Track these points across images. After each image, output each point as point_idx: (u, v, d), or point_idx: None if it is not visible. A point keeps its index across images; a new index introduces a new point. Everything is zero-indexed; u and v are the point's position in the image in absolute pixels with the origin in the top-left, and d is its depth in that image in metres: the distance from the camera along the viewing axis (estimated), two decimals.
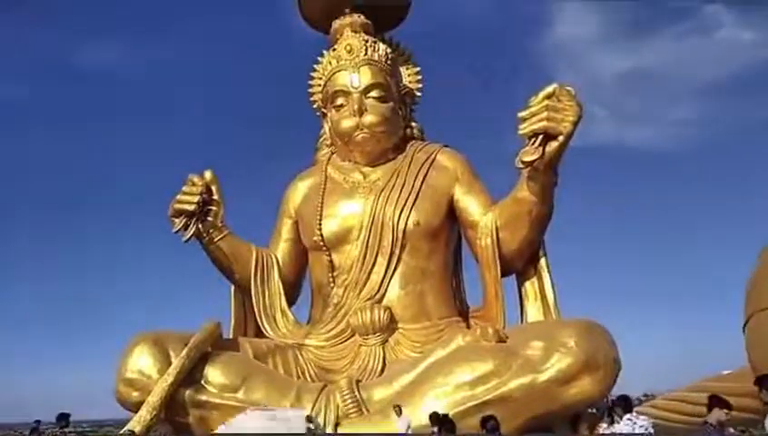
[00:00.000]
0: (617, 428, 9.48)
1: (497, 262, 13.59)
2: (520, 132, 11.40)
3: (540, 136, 11.26)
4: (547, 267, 13.87)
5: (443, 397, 11.36)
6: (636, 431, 9.18)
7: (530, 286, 14.02)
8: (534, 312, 13.75)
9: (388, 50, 16.22)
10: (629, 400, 9.90)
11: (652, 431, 9.31)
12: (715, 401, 8.36)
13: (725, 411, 8.16)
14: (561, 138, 11.28)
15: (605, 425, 10.29)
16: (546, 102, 11.23)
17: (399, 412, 11.46)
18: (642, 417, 9.63)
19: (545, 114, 11.16)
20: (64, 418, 12.73)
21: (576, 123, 11.27)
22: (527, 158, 11.38)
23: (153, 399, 11.44)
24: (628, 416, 9.47)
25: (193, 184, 13.98)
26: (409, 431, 11.26)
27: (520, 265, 14.10)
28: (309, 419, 11.37)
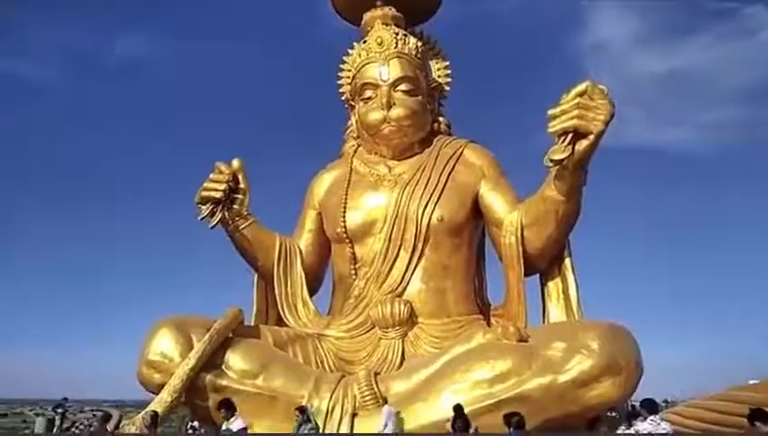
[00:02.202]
0: (641, 427, 9.36)
1: (521, 260, 13.45)
2: (550, 129, 11.24)
3: (570, 135, 11.10)
4: (572, 268, 13.66)
5: (460, 393, 11.27)
6: (658, 432, 9.08)
7: (554, 286, 13.85)
8: (556, 312, 13.58)
9: (419, 43, 16.13)
10: (655, 403, 9.77)
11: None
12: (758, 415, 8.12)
13: None
14: (591, 137, 11.09)
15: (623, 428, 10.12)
16: (577, 99, 11.05)
17: (384, 402, 11.70)
18: (665, 423, 9.51)
19: (575, 112, 10.99)
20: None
21: (607, 123, 11.07)
22: (556, 156, 11.21)
23: (175, 381, 11.62)
24: (652, 417, 9.36)
25: (220, 172, 14.14)
26: (391, 423, 11.32)
27: (544, 265, 13.93)
28: (302, 410, 11.37)
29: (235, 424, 10.65)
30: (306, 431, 10.64)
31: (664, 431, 9.15)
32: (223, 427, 10.78)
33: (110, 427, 10.84)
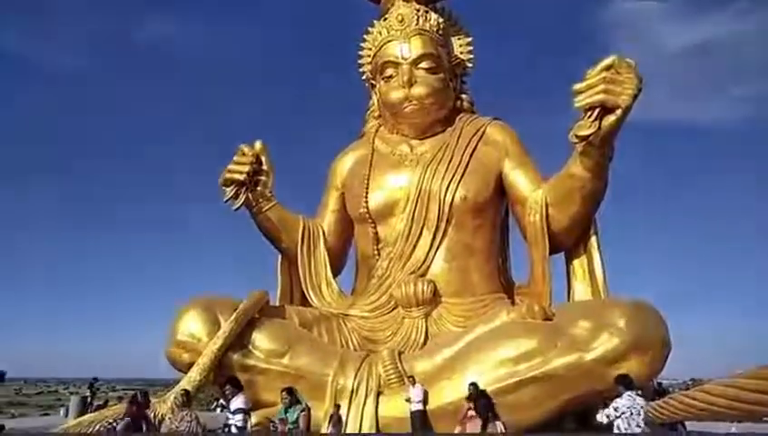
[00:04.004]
0: (619, 403, 9.33)
1: (546, 239, 13.32)
2: (576, 104, 11.00)
3: (597, 110, 10.86)
4: (598, 245, 13.46)
5: (485, 372, 11.28)
6: (635, 406, 9.08)
7: (579, 264, 13.69)
8: (582, 290, 13.44)
9: (440, 20, 15.89)
10: (629, 378, 9.75)
11: (642, 410, 9.19)
12: None
13: None
14: (619, 112, 10.82)
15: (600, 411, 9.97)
16: (604, 74, 10.79)
17: (414, 383, 11.72)
18: (640, 396, 9.49)
19: (602, 87, 10.73)
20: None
21: (635, 97, 10.79)
22: (583, 132, 11.00)
23: (203, 361, 11.83)
24: (629, 393, 9.32)
25: (244, 154, 14.22)
26: (419, 399, 11.42)
27: (569, 243, 13.77)
28: (290, 391, 10.88)
29: (235, 403, 10.56)
30: (296, 413, 10.58)
31: (639, 406, 9.14)
32: (231, 405, 10.68)
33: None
